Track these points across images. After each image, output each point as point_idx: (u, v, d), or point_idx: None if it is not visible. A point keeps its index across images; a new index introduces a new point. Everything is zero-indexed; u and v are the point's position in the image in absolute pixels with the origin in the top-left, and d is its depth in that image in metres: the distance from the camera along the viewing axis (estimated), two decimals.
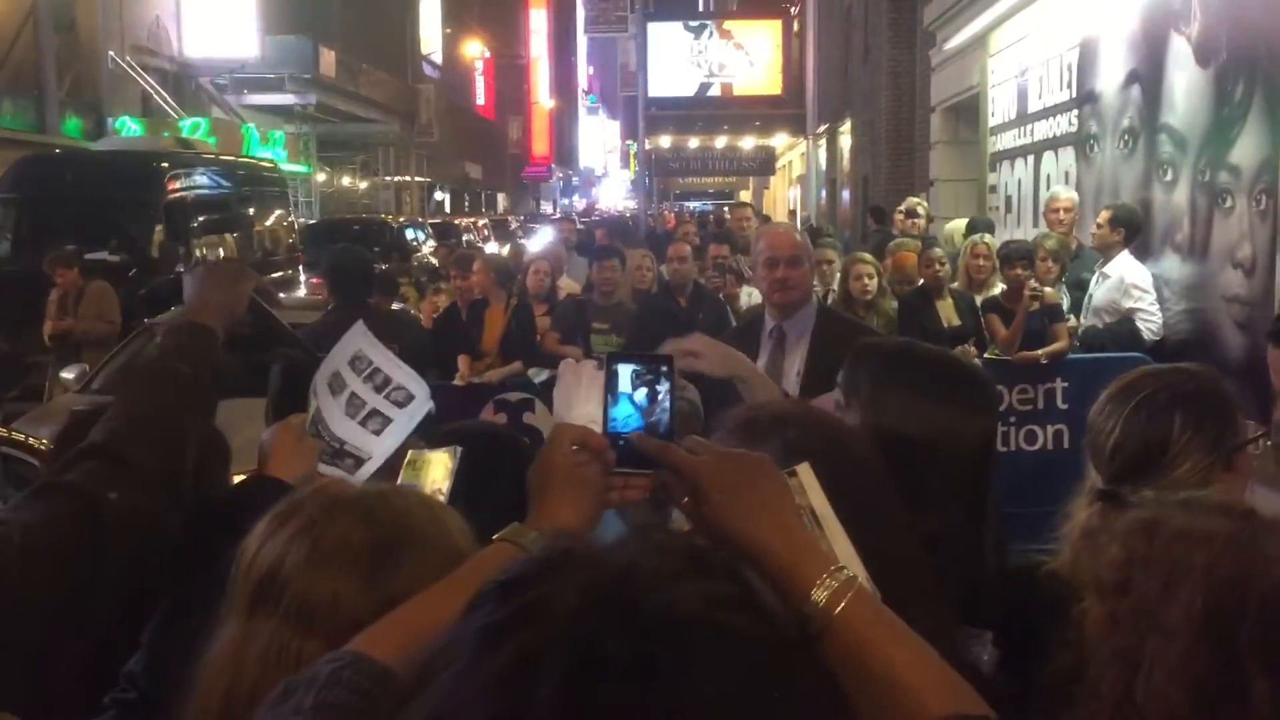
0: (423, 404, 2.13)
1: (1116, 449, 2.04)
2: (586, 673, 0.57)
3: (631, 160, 40.36)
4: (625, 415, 1.21)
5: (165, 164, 13.34)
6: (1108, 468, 2.04)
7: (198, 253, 12.80)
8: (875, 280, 6.71)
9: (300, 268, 16.02)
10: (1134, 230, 6.93)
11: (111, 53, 22.57)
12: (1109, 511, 1.58)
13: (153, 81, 23.35)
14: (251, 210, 15.33)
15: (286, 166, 28.02)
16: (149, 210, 12.46)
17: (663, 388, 1.23)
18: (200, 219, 13.51)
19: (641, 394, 1.22)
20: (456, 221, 30.32)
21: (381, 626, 1.02)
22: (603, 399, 1.22)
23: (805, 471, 1.19)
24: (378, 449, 2.08)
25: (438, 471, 1.84)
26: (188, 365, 1.90)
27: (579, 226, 12.90)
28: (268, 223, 15.83)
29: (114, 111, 22.18)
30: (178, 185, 13.16)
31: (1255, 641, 1.25)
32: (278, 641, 1.21)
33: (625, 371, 1.23)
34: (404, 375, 2.13)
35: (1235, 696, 1.24)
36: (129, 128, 21.71)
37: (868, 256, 7.10)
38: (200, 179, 14.11)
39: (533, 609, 0.61)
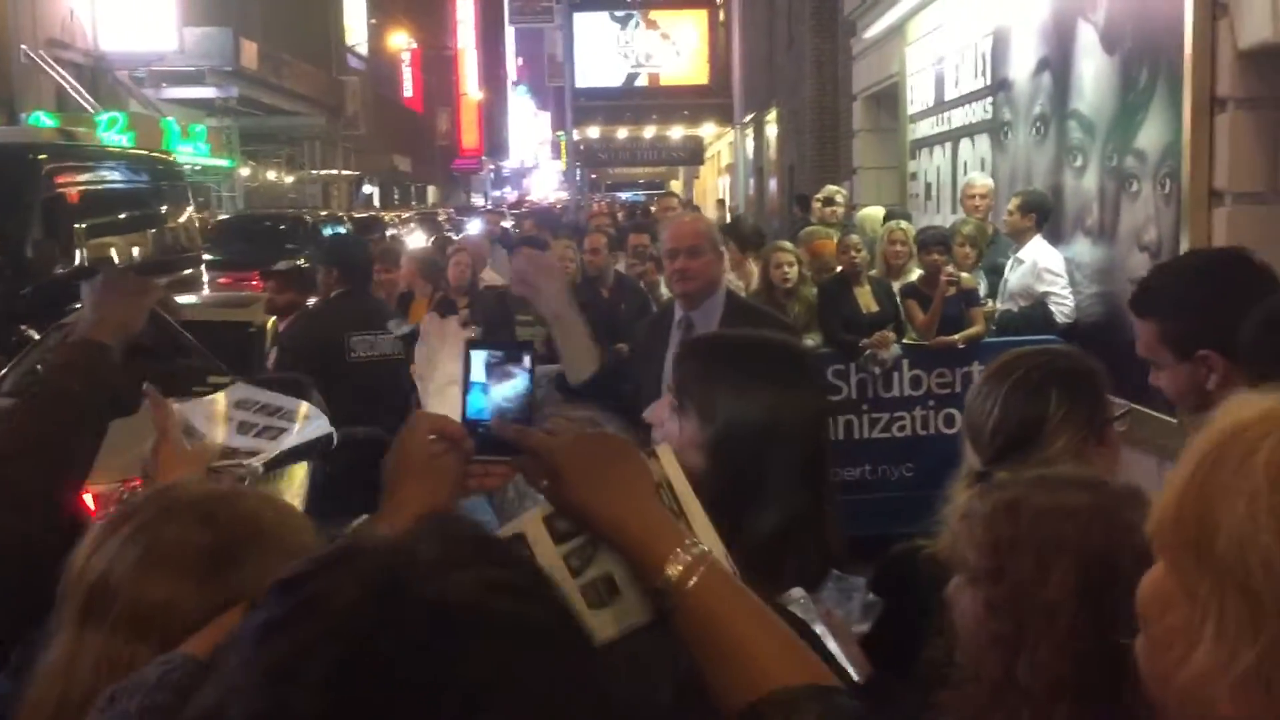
0: (316, 420, 2.17)
1: (997, 429, 2.08)
2: (354, 665, 0.57)
3: (563, 151, 40.26)
4: (483, 403, 1.21)
5: (43, 156, 12.03)
6: (988, 448, 2.08)
7: (78, 254, 11.80)
8: (795, 268, 6.77)
9: (204, 268, 14.93)
10: (1044, 215, 7.07)
11: (23, 45, 21.98)
12: (985, 493, 1.61)
13: (67, 75, 22.79)
14: (148, 207, 14.10)
15: (208, 161, 27.61)
16: (23, 207, 11.20)
17: (521, 374, 1.23)
18: (86, 217, 12.32)
19: (500, 381, 1.23)
20: (382, 215, 29.11)
21: (214, 628, 1.01)
22: (461, 387, 1.22)
23: (665, 452, 1.21)
24: (269, 448, 2.10)
25: (295, 481, 1.90)
26: (80, 384, 1.84)
27: (507, 218, 12.79)
28: (167, 220, 14.55)
29: (26, 106, 21.60)
30: (59, 181, 11.97)
31: (1126, 607, 1.28)
32: (110, 649, 1.17)
33: (482, 359, 1.23)
34: (291, 402, 2.20)
35: (1113, 662, 1.27)
36: (42, 122, 21.17)
37: (788, 245, 7.16)
38: (86, 174, 12.87)
39: (308, 604, 0.60)
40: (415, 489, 1.15)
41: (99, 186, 13.07)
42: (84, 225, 12.08)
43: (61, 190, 11.90)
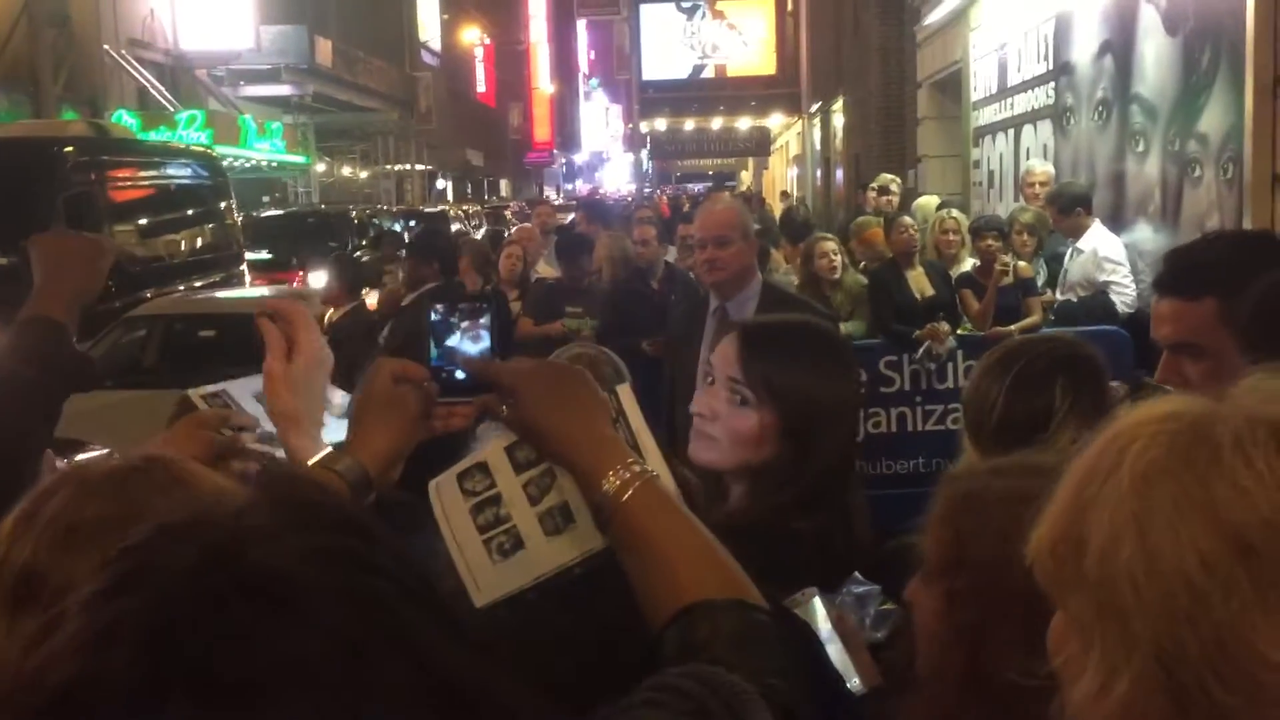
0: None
1: (1002, 422, 2.03)
2: (168, 634, 0.58)
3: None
4: (446, 350, 1.28)
5: (68, 149, 11.25)
6: (992, 441, 2.03)
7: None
8: (840, 257, 6.71)
9: (245, 268, 14.03)
10: (1087, 201, 6.88)
11: (106, 46, 22.56)
12: (943, 485, 1.58)
13: (148, 75, 23.35)
14: (186, 205, 13.42)
15: (284, 158, 28.08)
16: (43, 203, 10.46)
17: (482, 329, 1.29)
18: (116, 215, 11.65)
19: (464, 331, 1.29)
20: (443, 208, 28.49)
21: None
22: (425, 342, 1.29)
23: (624, 391, 1.25)
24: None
25: None
26: (34, 369, 1.70)
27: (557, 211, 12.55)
28: (206, 219, 13.83)
29: (109, 105, 22.18)
30: (84, 176, 11.22)
31: None
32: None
33: (444, 311, 1.30)
34: (335, 393, 2.16)
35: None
36: (126, 122, 21.74)
37: (828, 235, 7.13)
38: (117, 169, 12.10)
39: (136, 573, 0.61)
40: (378, 425, 1.21)
41: (131, 183, 12.44)
42: (114, 223, 11.48)
43: (87, 186, 11.25)
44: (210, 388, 2.05)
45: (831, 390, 1.85)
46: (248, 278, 13.53)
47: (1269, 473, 0.66)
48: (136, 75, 23.04)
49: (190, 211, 13.45)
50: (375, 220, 21.13)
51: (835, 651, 1.55)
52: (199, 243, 13.53)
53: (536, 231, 8.86)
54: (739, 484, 1.87)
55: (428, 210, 26.65)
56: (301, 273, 12.67)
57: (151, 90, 23.31)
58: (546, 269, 7.85)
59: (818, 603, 1.61)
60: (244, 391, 2.10)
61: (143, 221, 12.42)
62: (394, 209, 26.86)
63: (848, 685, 1.53)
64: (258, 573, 0.61)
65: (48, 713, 0.57)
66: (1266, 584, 0.64)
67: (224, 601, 0.59)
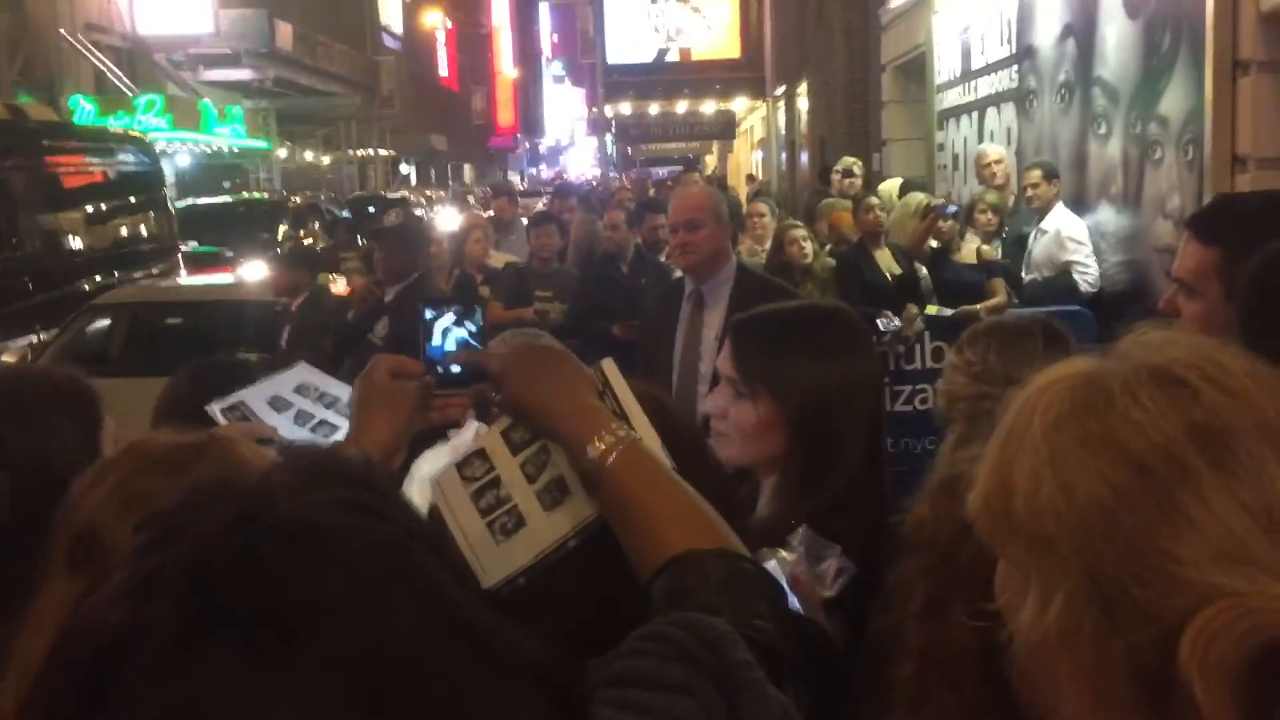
0: None
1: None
2: (205, 580, 0.62)
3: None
4: (438, 347, 1.37)
5: None
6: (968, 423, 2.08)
7: (26, 244, 10.54)
8: (810, 244, 6.77)
9: (179, 260, 13.16)
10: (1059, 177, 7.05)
11: (62, 30, 22.25)
12: (932, 471, 1.62)
13: (106, 59, 23.06)
14: (115, 193, 12.60)
15: (244, 143, 27.84)
16: None
17: (473, 326, 1.38)
18: (32, 203, 10.93)
19: (453, 329, 1.37)
20: (406, 195, 27.45)
21: None
22: (420, 340, 1.37)
23: (609, 365, 1.29)
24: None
25: None
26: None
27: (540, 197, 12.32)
28: (136, 209, 12.93)
29: (66, 90, 21.89)
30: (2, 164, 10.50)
31: None
32: None
33: (435, 313, 1.38)
34: (345, 391, 2.12)
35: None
36: (82, 106, 21.48)
37: (797, 222, 7.19)
38: (36, 155, 11.25)
39: (173, 528, 0.66)
40: (378, 416, 1.28)
41: (53, 169, 11.56)
42: (33, 212, 10.86)
43: (2, 176, 10.50)
44: (228, 400, 2.07)
45: (834, 371, 1.86)
46: (182, 270, 12.56)
47: (1152, 405, 0.78)
48: (94, 60, 22.76)
49: (120, 200, 12.63)
50: (325, 209, 20.11)
51: (793, 604, 1.59)
52: (126, 232, 12.76)
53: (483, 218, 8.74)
54: (767, 480, 1.90)
55: (386, 195, 25.98)
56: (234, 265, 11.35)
57: (109, 75, 23.04)
58: (499, 258, 7.72)
59: (775, 560, 1.66)
60: (259, 399, 2.11)
61: (67, 211, 11.64)
62: (346, 196, 26.16)
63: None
64: (284, 522, 0.66)
65: (99, 655, 0.61)
66: (1163, 495, 0.75)
67: (254, 548, 0.64)
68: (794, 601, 1.59)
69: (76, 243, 11.70)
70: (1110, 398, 0.79)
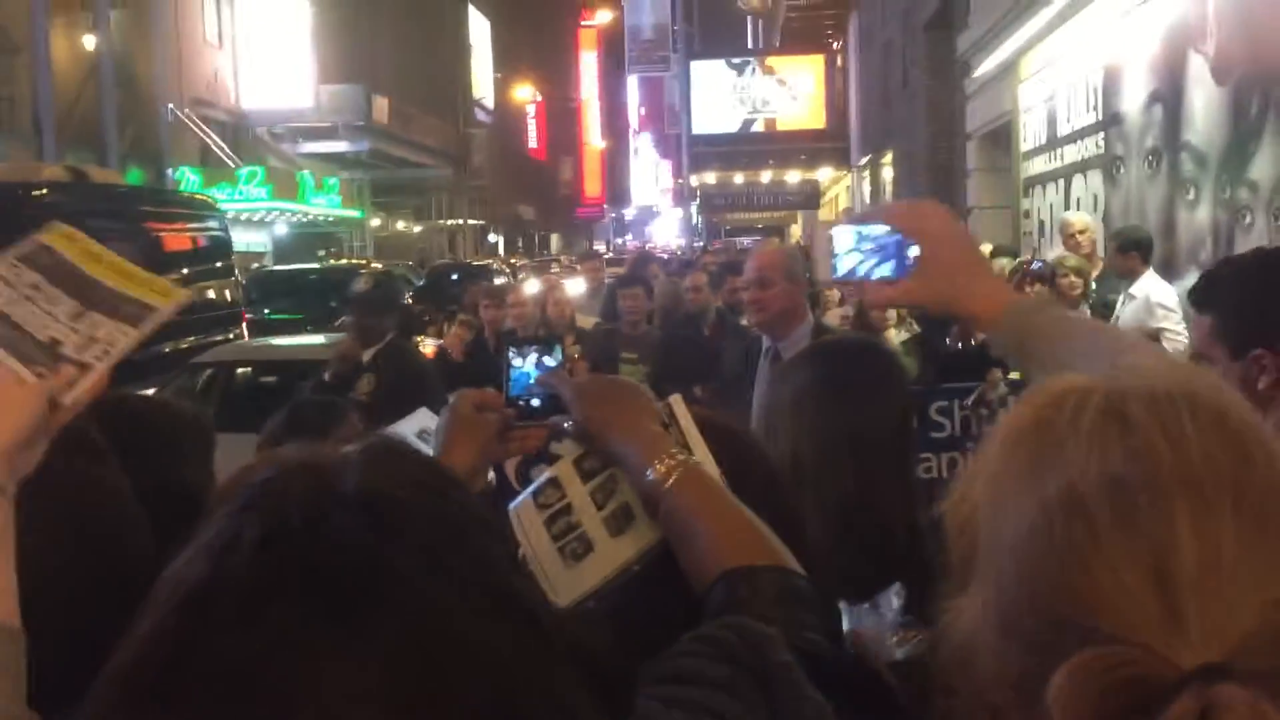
0: None
1: None
2: (279, 542, 0.69)
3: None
4: (522, 385, 1.46)
5: (36, 193, 10.20)
6: None
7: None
8: (894, 309, 6.76)
9: (244, 327, 12.72)
10: (1147, 248, 6.90)
11: (170, 105, 23.26)
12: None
13: (210, 132, 24.03)
14: (181, 260, 12.11)
15: (340, 212, 28.64)
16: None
17: (551, 357, 1.47)
18: None
19: (534, 366, 1.47)
20: (490, 263, 27.26)
21: None
22: (504, 380, 1.47)
23: (677, 401, 1.36)
24: None
25: None
26: None
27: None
28: (203, 276, 12.48)
29: (173, 162, 22.83)
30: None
31: None
32: None
33: (518, 352, 1.48)
34: None
35: None
36: (188, 178, 22.37)
37: None
38: (99, 218, 10.41)
39: (255, 497, 0.73)
40: (460, 443, 1.37)
41: (116, 233, 10.46)
42: None
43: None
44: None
45: (838, 418, 1.84)
46: (245, 338, 12.14)
47: (1085, 440, 0.76)
48: (200, 133, 23.72)
49: (186, 269, 12.02)
50: (403, 276, 19.75)
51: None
52: (198, 299, 11.89)
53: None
54: None
55: (470, 263, 26.35)
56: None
57: (214, 147, 23.98)
58: (585, 320, 7.86)
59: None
60: (408, 432, 2.23)
61: None
62: (423, 265, 26.42)
63: None
64: (355, 493, 0.72)
65: (182, 608, 0.67)
66: (1063, 540, 0.74)
67: (326, 516, 0.70)
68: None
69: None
70: (1053, 425, 0.78)
